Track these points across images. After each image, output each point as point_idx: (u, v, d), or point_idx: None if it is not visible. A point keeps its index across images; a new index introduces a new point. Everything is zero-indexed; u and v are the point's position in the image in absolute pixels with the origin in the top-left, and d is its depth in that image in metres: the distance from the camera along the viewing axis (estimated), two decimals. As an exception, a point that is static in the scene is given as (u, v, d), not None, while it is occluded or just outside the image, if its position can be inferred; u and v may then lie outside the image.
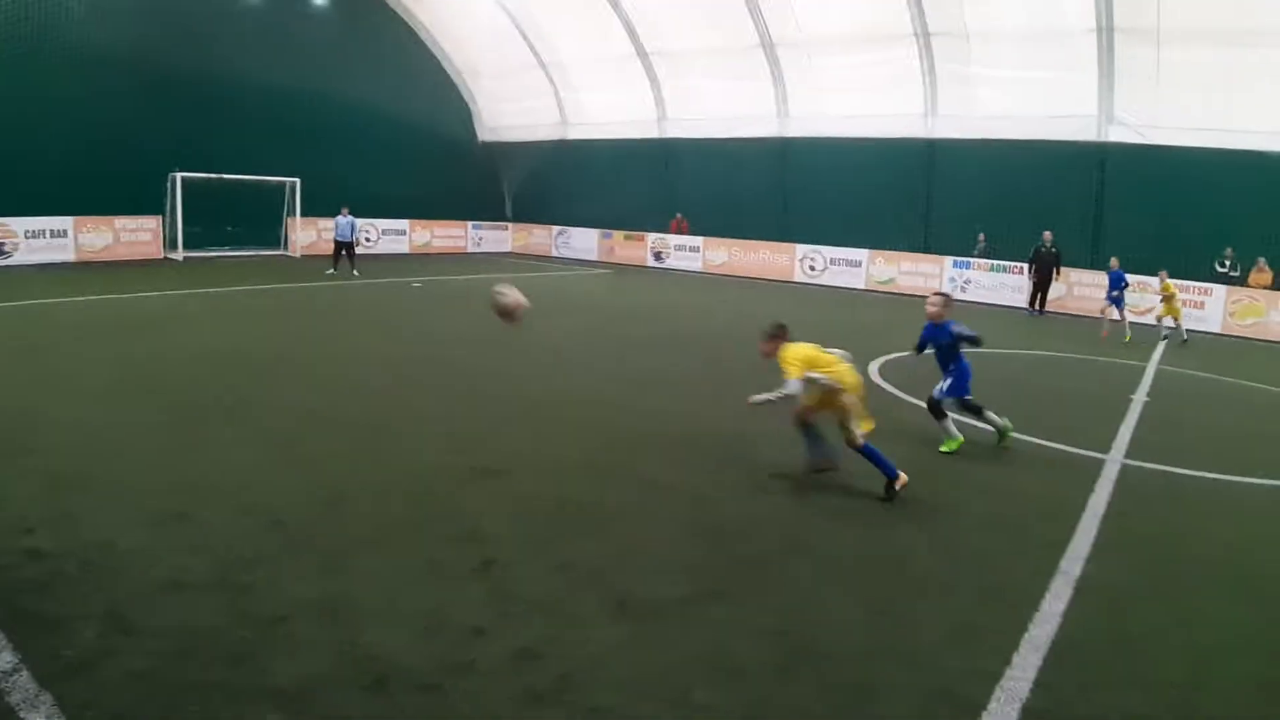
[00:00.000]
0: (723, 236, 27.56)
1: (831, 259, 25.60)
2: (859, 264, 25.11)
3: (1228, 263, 19.83)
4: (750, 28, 25.06)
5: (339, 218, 21.76)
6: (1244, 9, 18.16)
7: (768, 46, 25.31)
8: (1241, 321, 19.72)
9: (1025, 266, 21.96)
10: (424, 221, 30.41)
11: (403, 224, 29.77)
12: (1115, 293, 17.62)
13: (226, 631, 4.30)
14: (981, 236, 22.85)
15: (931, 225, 24.09)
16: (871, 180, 24.65)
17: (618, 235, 29.98)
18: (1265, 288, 19.56)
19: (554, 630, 4.50)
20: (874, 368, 12.30)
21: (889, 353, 13.44)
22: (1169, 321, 17.45)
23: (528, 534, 5.78)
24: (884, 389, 11.09)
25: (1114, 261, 18.05)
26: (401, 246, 29.68)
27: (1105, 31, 20.04)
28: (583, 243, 30.84)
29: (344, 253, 21.72)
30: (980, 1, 21.47)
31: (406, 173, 29.50)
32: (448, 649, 4.27)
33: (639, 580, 5.17)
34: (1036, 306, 21.75)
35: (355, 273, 21.36)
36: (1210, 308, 20.00)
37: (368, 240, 28.10)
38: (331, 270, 21.36)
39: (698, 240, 27.99)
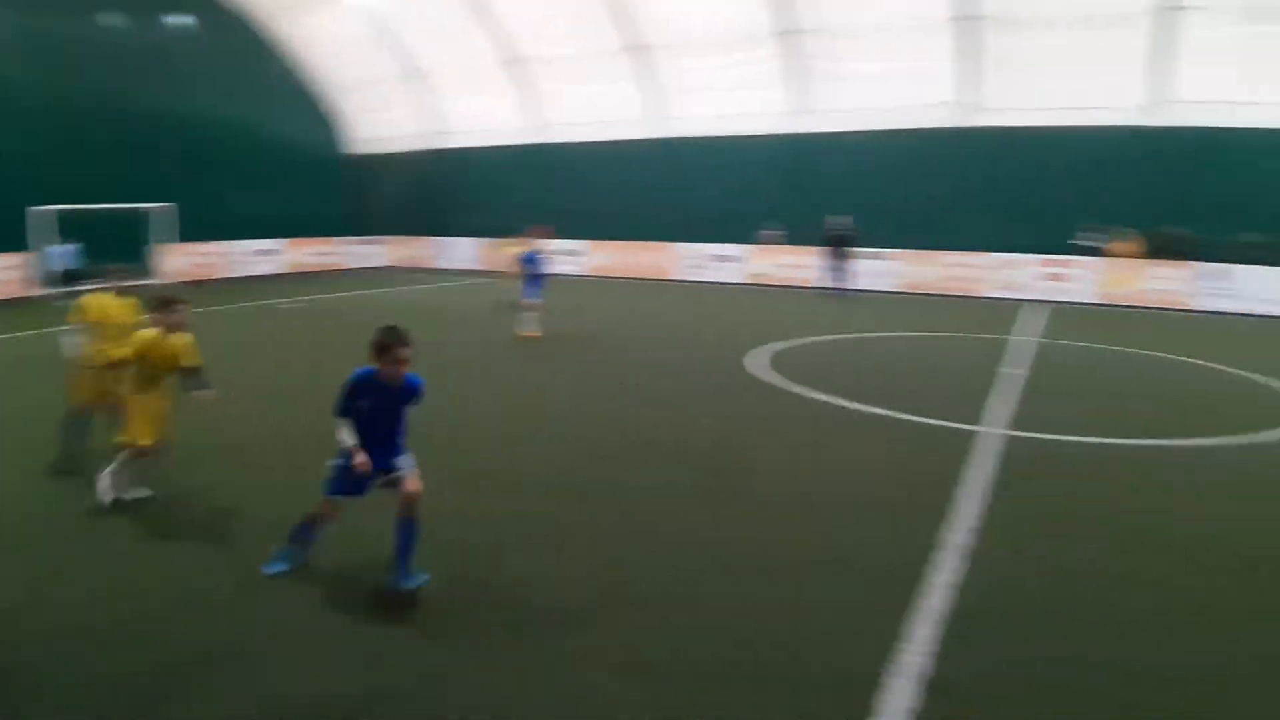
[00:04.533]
0: (604, 239, 27.54)
1: (711, 256, 25.93)
2: (737, 259, 25.51)
3: (1095, 235, 21.11)
4: (617, 31, 25.17)
5: (54, 247, 20.86)
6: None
7: (636, 50, 25.48)
8: (1112, 290, 21.05)
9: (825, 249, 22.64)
10: (297, 240, 29.25)
11: (275, 243, 28.55)
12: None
13: (133, 682, 3.93)
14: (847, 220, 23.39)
15: (804, 218, 24.65)
16: (745, 176, 25.13)
17: (499, 243, 29.42)
18: (1131, 256, 20.92)
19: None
20: (758, 360, 12.46)
21: (771, 343, 13.68)
22: None
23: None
24: (766, 380, 11.24)
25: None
26: (275, 266, 28.45)
27: (961, 20, 21.09)
28: (462, 253, 30.25)
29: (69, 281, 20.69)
30: (840, -1, 22.25)
31: (278, 191, 28.27)
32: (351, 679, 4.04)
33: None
34: (841, 287, 22.07)
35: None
36: (1080, 279, 21.34)
37: (240, 263, 27.00)
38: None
39: (583, 244, 27.82)
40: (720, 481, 7.16)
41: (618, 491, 6.89)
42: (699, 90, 25.57)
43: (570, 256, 27.62)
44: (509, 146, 29.35)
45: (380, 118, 31.67)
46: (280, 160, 29.14)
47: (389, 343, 4.76)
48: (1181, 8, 19.22)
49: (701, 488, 6.98)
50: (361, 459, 4.74)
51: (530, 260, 14.85)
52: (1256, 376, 11.87)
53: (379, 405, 4.86)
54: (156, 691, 3.93)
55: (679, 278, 26.25)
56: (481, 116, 29.67)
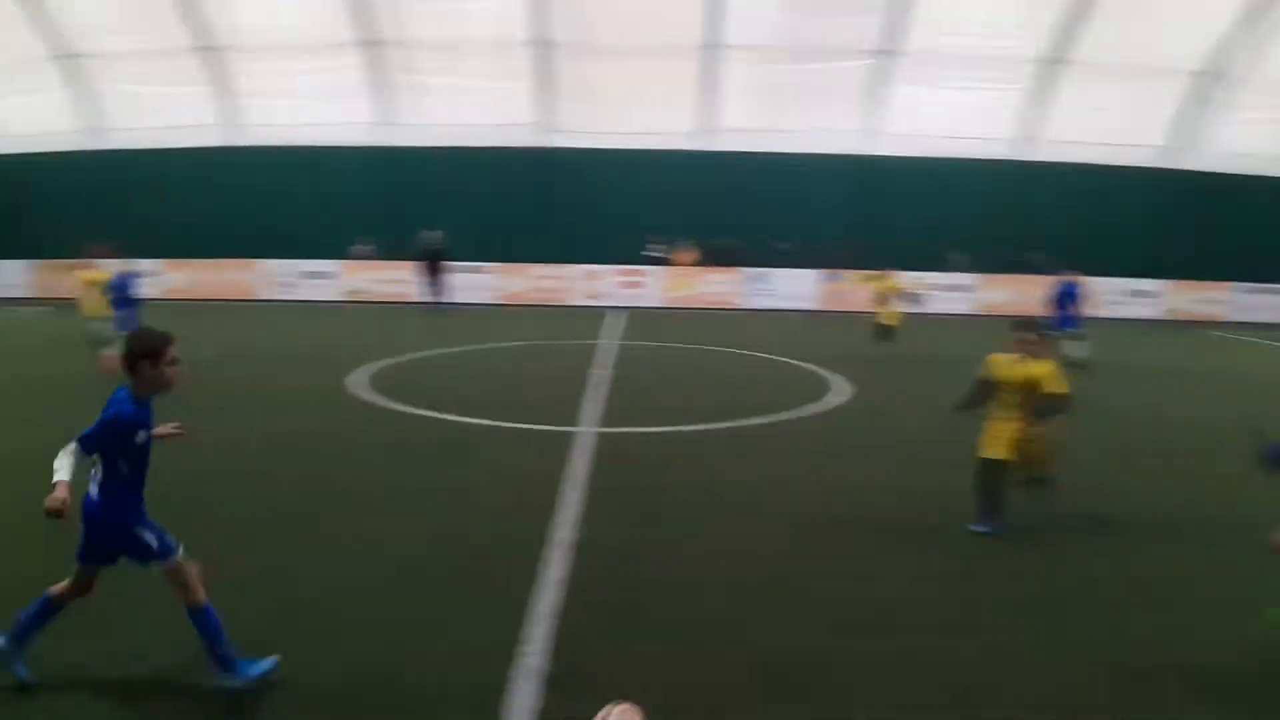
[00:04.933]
0: (183, 257, 24.24)
1: (302, 272, 24.38)
2: (332, 276, 24.31)
3: (663, 248, 23.72)
4: (186, 30, 22.77)
5: None
6: (649, 26, 21.66)
7: (209, 51, 23.21)
8: (675, 294, 23.73)
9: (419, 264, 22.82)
10: None
11: None
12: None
13: None
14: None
15: (400, 232, 24.23)
16: (334, 189, 24.02)
17: (58, 264, 24.63)
18: (691, 265, 23.97)
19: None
20: (359, 380, 12.04)
21: (375, 361, 13.30)
22: None
23: None
24: (369, 401, 10.92)
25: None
26: None
27: (541, 44, 22.27)
28: (8, 275, 24.79)
29: None
30: (422, 13, 22.22)
31: None
32: None
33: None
34: (440, 299, 22.42)
35: None
36: (650, 286, 23.85)
37: None
38: None
39: (155, 263, 24.14)
40: (322, 506, 6.81)
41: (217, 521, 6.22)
42: (278, 96, 23.97)
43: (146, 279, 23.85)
44: (57, 154, 24.84)
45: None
46: None
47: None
48: (725, 45, 22.31)
49: (303, 513, 6.60)
50: None
51: (120, 285, 12.99)
52: (795, 361, 14.16)
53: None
54: None
55: (269, 297, 24.28)
56: (24, 119, 24.82)
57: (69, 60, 24.08)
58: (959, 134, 23.53)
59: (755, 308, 23.27)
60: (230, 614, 4.05)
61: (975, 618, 5.04)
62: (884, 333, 15.34)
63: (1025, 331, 6.21)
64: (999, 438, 6.20)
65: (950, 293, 22.78)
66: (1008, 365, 6.22)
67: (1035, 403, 6.14)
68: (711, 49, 22.51)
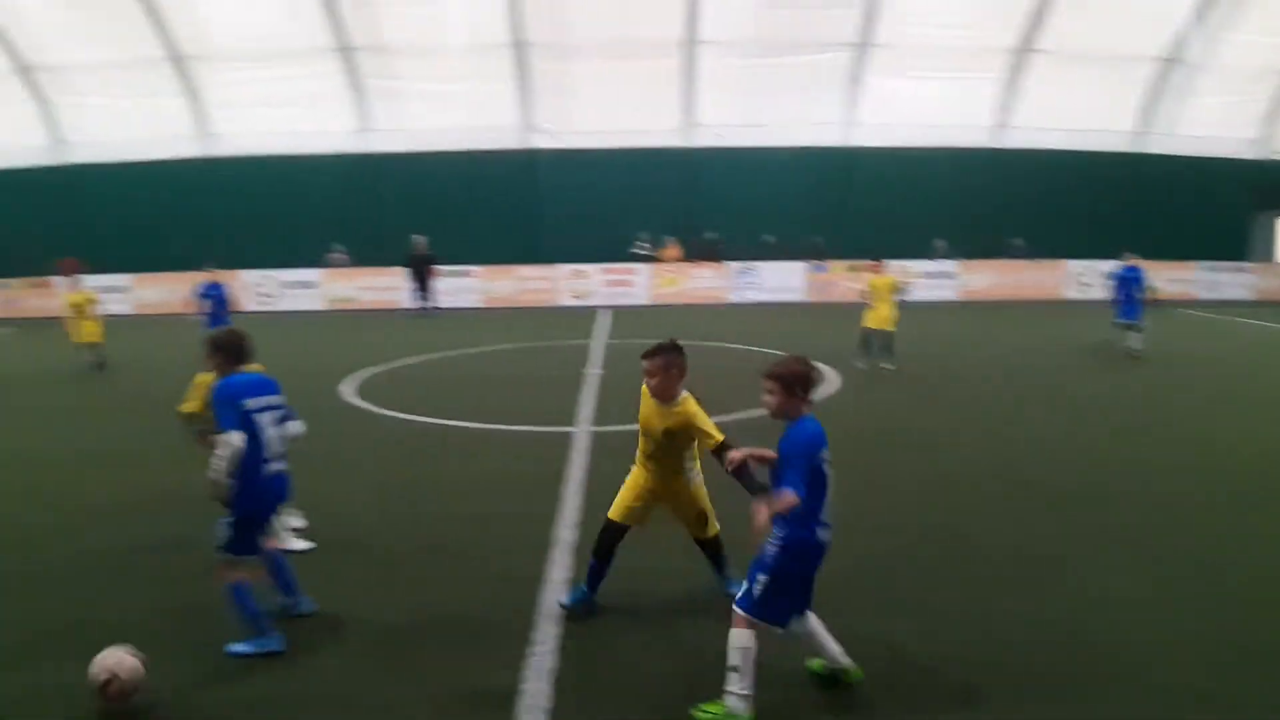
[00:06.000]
0: (153, 271, 23.96)
1: (284, 282, 24.24)
2: (315, 285, 24.21)
3: (647, 246, 23.73)
4: (155, 40, 22.56)
5: None
6: (628, 25, 21.64)
7: (177, 60, 23.02)
8: (664, 291, 23.68)
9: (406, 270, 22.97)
10: None
11: None
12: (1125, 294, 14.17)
13: None
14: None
15: (384, 238, 24.16)
16: (312, 197, 23.93)
17: (15, 284, 24.57)
18: (676, 261, 23.97)
19: None
20: (348, 387, 12.02)
21: (362, 369, 13.28)
22: None
23: None
24: (360, 407, 10.91)
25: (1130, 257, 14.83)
26: None
27: (519, 46, 22.22)
28: None
29: None
30: (397, 16, 22.13)
31: None
32: None
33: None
34: (427, 304, 22.61)
35: None
36: (638, 284, 23.78)
37: None
38: None
39: (127, 278, 24.01)
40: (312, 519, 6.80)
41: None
42: (251, 105, 23.74)
43: (119, 294, 23.75)
44: (19, 170, 24.59)
45: None
46: None
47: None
48: (701, 41, 22.35)
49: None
50: None
51: (210, 294, 13.67)
52: (784, 352, 14.14)
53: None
54: None
55: (250, 309, 23.94)
56: None
57: (30, 73, 23.84)
58: (936, 123, 23.74)
59: (743, 301, 23.34)
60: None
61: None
62: (878, 341, 12.91)
63: (655, 358, 4.70)
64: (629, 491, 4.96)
65: (933, 280, 22.92)
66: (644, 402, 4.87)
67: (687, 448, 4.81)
68: (689, 45, 22.56)
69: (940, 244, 23.90)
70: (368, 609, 5.06)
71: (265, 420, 4.46)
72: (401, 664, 4.45)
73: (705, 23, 22.20)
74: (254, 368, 4.84)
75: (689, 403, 4.67)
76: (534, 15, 22.00)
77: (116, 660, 3.86)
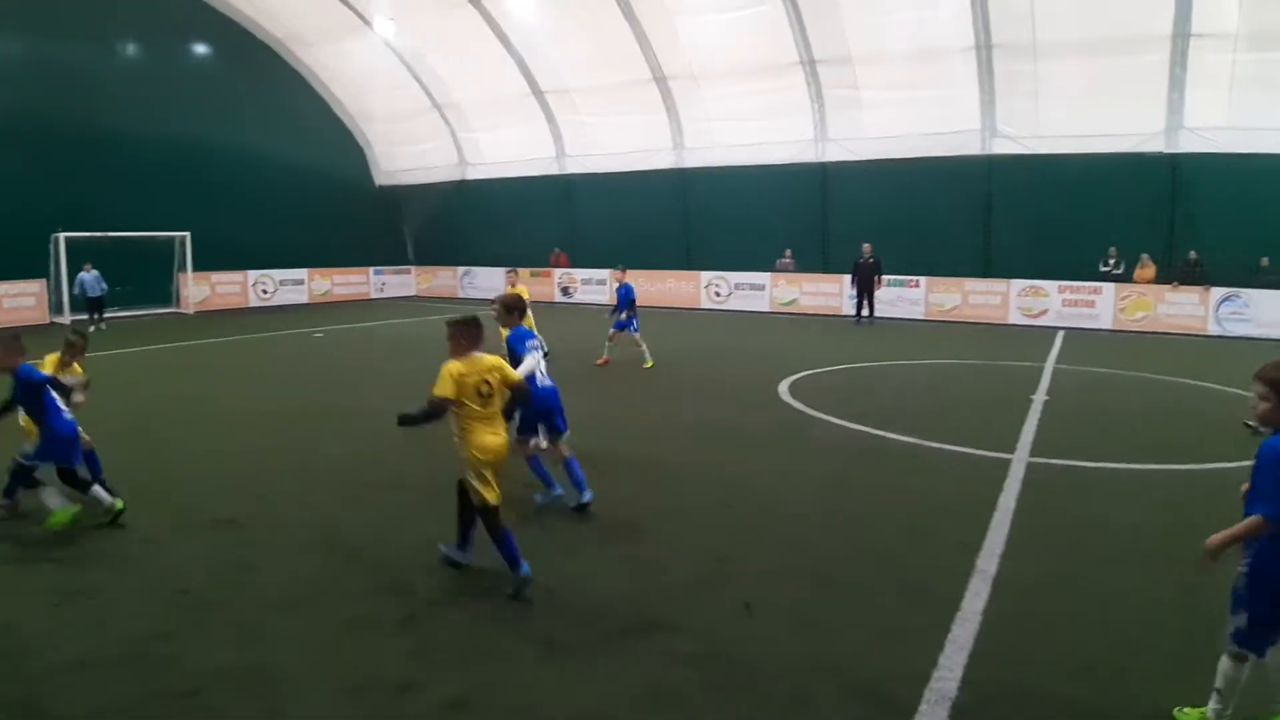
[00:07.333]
0: (629, 268, 27.38)
1: (736, 284, 26.07)
2: (762, 287, 25.63)
3: (1112, 261, 21.05)
4: (642, 62, 25.49)
5: (83, 274, 20.93)
6: (1110, 21, 19.34)
7: (660, 80, 25.80)
8: (1131, 316, 20.89)
9: (850, 278, 23.08)
10: (323, 269, 29.73)
11: (300, 273, 29.04)
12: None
13: (140, 709, 4.07)
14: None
15: (829, 246, 24.77)
16: (769, 205, 25.27)
17: (523, 272, 29.71)
18: (1149, 282, 20.76)
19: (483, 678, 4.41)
20: (784, 387, 12.53)
21: (799, 371, 13.74)
22: None
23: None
24: (795, 407, 11.30)
25: (619, 274, 16.32)
26: (300, 296, 28.94)
27: (983, 49, 21.10)
28: (488, 281, 30.47)
29: (95, 309, 21.05)
30: (862, 27, 22.30)
31: (302, 221, 28.84)
32: (375, 708, 4.14)
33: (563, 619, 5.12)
34: (864, 314, 22.51)
35: (102, 326, 20.55)
36: (1101, 305, 21.22)
37: (264, 293, 27.75)
38: (94, 328, 20.00)
39: (603, 273, 27.89)
40: (726, 495, 7.21)
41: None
42: (720, 120, 25.81)
43: (598, 285, 27.82)
44: (532, 178, 29.79)
45: (408, 149, 32.34)
46: (307, 191, 29.67)
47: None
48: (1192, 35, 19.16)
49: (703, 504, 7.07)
50: None
51: (619, 293, 15.40)
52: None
53: None
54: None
55: (705, 306, 26.37)
56: (506, 147, 30.12)
57: (542, 95, 28.17)
58: None
59: (1224, 334, 19.68)
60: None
61: None
62: None
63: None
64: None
65: None
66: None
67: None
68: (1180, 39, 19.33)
69: None
70: (782, 592, 5.34)
71: (538, 353, 6.91)
72: (816, 647, 4.62)
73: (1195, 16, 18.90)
74: (528, 323, 7.31)
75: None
76: (999, 17, 20.59)
77: None
